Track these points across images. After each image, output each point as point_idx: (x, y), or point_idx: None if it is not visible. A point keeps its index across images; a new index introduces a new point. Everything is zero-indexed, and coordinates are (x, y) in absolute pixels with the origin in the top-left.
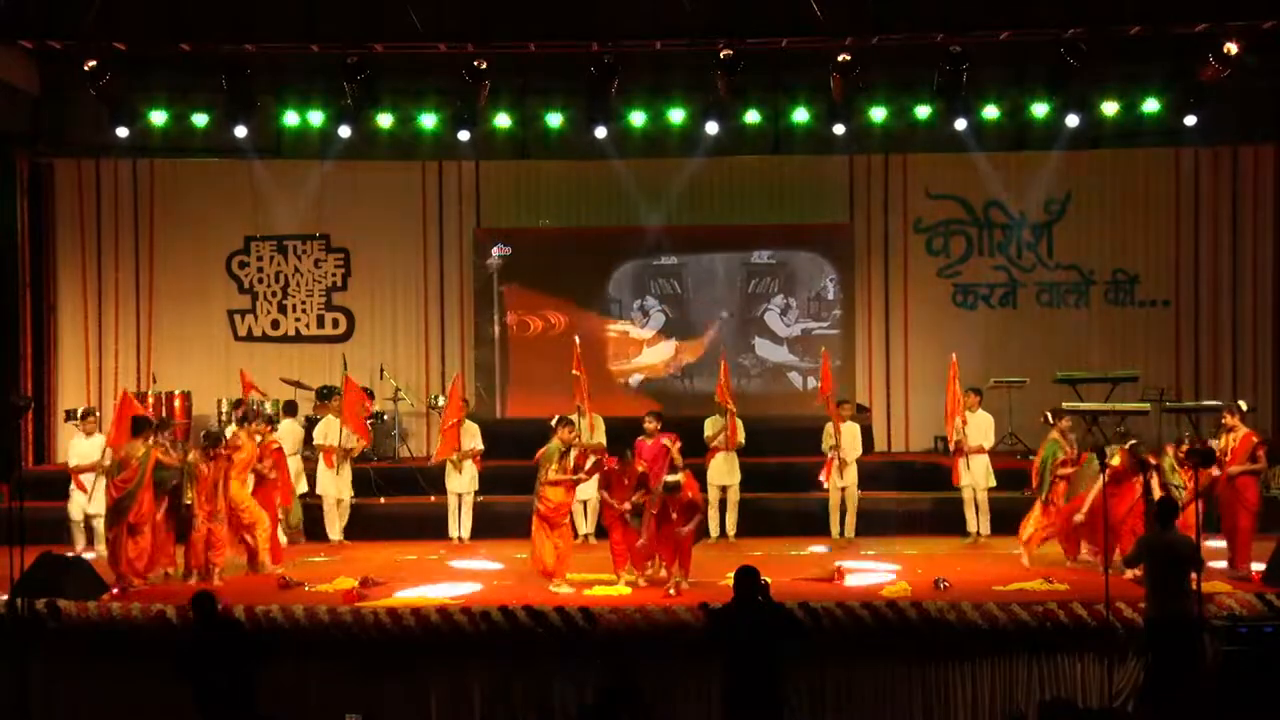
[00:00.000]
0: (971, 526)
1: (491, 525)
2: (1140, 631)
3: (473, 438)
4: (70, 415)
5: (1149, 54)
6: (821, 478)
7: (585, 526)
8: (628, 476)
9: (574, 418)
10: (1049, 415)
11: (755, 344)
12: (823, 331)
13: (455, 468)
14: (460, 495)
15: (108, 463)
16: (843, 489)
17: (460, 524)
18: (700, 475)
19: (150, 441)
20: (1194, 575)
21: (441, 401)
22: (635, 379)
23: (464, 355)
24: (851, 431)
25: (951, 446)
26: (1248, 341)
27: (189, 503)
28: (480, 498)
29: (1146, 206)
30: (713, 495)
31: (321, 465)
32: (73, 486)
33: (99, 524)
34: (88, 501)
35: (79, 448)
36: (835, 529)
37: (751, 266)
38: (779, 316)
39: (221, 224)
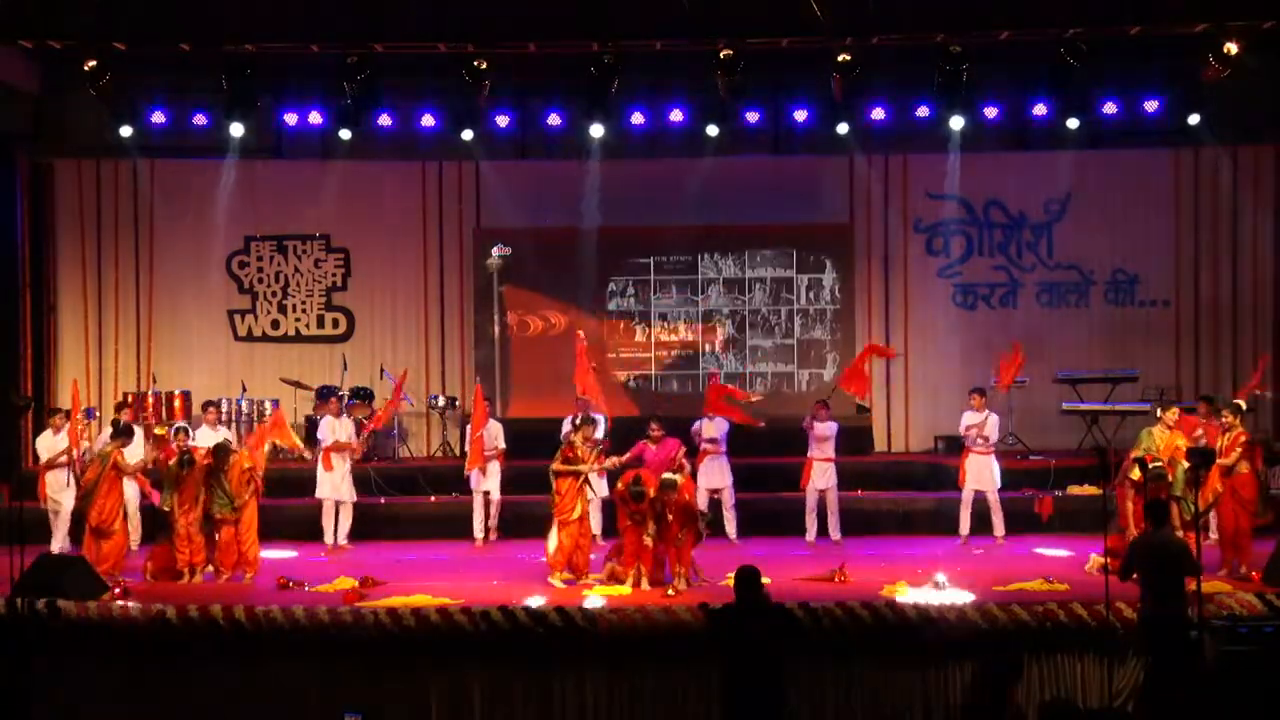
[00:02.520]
0: (965, 528)
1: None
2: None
3: (495, 437)
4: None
5: (1149, 54)
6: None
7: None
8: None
9: (596, 416)
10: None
11: (754, 344)
12: (821, 332)
13: (480, 469)
14: (486, 494)
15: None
16: (822, 491)
17: (489, 523)
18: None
19: (115, 443)
20: (1189, 578)
21: (441, 402)
22: (632, 378)
23: (464, 355)
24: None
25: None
26: (1248, 341)
27: (168, 508)
28: (502, 496)
29: (1146, 206)
30: (701, 499)
31: (320, 468)
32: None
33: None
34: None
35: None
36: (811, 532)
37: (750, 267)
38: (777, 317)
39: (221, 224)
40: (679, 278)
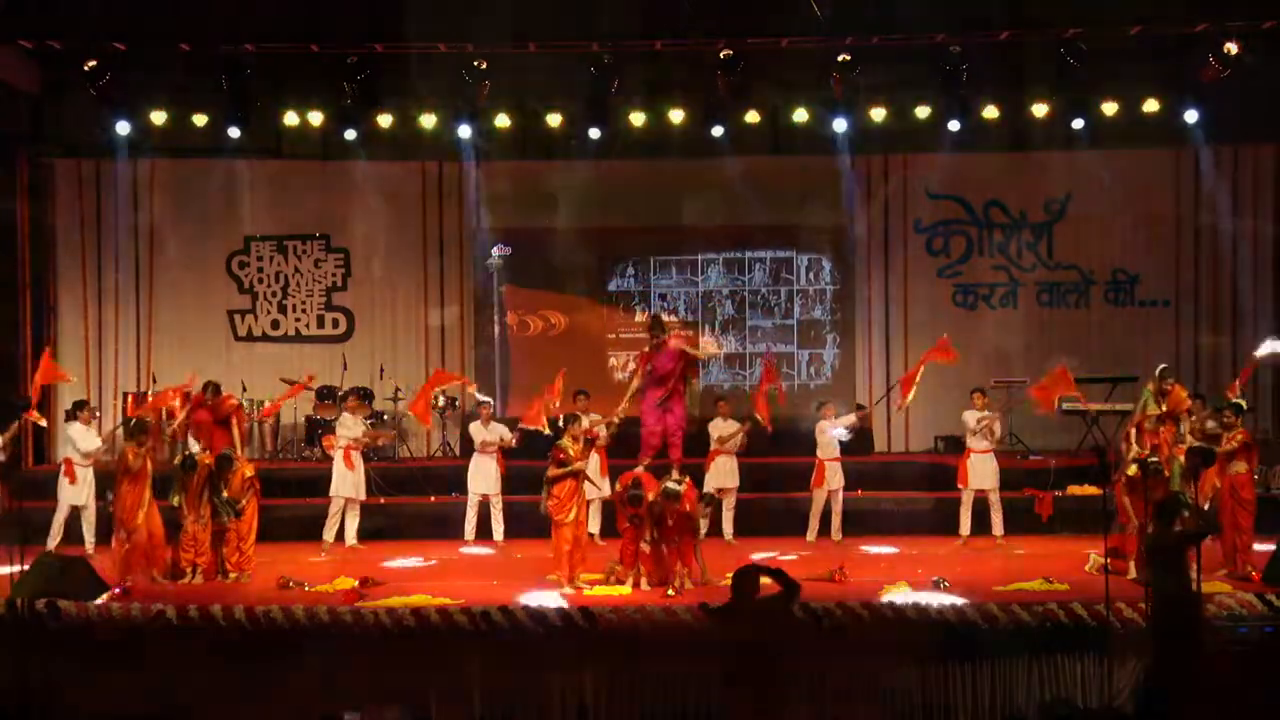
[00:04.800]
0: (965, 528)
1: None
2: (1141, 631)
3: (495, 433)
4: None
5: (1149, 54)
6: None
7: (591, 525)
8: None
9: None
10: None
11: (753, 325)
12: (821, 313)
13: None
14: (485, 496)
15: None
16: (833, 492)
17: (494, 526)
18: (698, 477)
19: (129, 444)
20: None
21: (441, 402)
22: (630, 359)
23: (464, 355)
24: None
25: None
26: (1248, 341)
27: (176, 504)
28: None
29: (1146, 206)
30: None
31: (341, 465)
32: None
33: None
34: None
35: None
36: (813, 532)
37: (751, 267)
38: (776, 297)
39: (221, 224)
40: (678, 258)
